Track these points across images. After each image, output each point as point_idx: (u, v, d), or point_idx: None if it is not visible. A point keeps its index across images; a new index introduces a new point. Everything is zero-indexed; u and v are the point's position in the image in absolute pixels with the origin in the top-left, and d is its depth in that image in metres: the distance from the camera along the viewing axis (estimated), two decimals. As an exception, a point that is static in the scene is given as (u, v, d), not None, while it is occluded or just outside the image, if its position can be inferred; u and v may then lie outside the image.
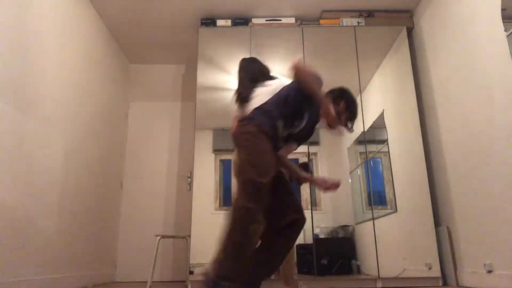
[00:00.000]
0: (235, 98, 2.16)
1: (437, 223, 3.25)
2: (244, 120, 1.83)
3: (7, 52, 2.28)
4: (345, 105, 1.96)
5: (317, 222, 3.18)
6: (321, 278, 3.03)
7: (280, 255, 1.83)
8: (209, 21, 3.69)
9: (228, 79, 3.51)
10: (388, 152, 3.35)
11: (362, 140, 3.39)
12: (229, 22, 3.68)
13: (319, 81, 1.88)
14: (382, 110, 3.45)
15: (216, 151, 3.40)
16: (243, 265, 1.60)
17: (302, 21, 3.76)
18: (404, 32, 3.63)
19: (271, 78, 2.16)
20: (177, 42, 4.19)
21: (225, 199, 3.31)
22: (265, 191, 1.63)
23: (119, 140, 4.21)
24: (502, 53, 2.48)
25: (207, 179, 3.32)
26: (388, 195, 3.27)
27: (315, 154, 3.37)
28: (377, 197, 3.27)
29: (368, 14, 3.69)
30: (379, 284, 3.04)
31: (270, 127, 1.80)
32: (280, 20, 3.70)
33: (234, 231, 1.59)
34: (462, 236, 2.95)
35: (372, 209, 3.22)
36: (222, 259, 1.57)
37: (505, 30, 2.43)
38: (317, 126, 2.07)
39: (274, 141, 1.83)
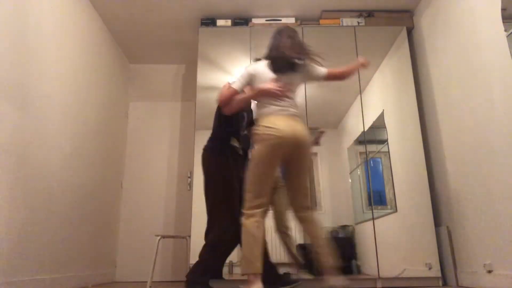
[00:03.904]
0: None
1: (437, 223, 3.26)
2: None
3: (7, 52, 2.28)
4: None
5: (317, 222, 3.18)
6: (321, 278, 3.03)
7: None
8: (209, 21, 3.69)
9: (228, 79, 3.50)
10: (388, 152, 3.35)
11: (362, 140, 3.39)
12: (229, 22, 3.68)
13: (227, 92, 2.14)
14: (382, 110, 3.45)
15: (216, 151, 3.39)
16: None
17: (302, 21, 3.76)
18: (404, 32, 3.63)
19: None
20: (177, 42, 4.19)
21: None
22: None
23: (119, 140, 4.21)
24: (502, 53, 2.48)
25: (207, 179, 3.31)
26: (388, 195, 3.27)
27: (315, 154, 3.37)
28: (377, 197, 3.27)
29: (368, 14, 3.69)
30: (379, 284, 3.04)
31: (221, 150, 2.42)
32: (280, 20, 3.70)
33: None
34: (462, 236, 2.95)
35: (372, 209, 3.22)
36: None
37: (505, 30, 2.43)
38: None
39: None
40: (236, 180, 2.37)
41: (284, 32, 2.24)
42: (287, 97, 2.11)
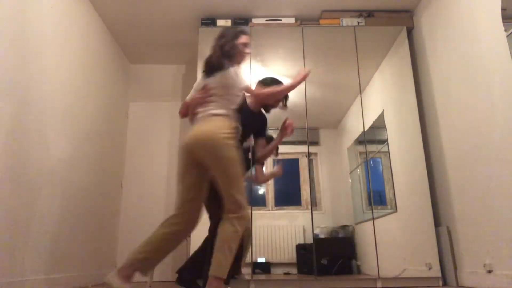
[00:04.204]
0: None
1: (437, 223, 3.25)
2: None
3: (7, 52, 2.28)
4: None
5: (317, 222, 3.18)
6: (321, 278, 3.03)
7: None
8: (209, 21, 3.69)
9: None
10: (388, 152, 3.35)
11: (362, 140, 3.39)
12: (229, 22, 3.68)
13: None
14: (382, 110, 3.45)
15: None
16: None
17: (302, 21, 3.76)
18: (404, 32, 3.63)
19: None
20: (177, 42, 4.19)
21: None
22: None
23: (119, 140, 4.21)
24: (502, 53, 2.48)
25: (207, 179, 3.31)
26: (388, 195, 3.27)
27: (315, 154, 3.37)
28: (377, 197, 3.27)
29: (368, 14, 3.69)
30: (379, 284, 3.04)
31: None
32: (280, 20, 3.70)
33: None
34: (462, 236, 2.95)
35: (372, 209, 3.22)
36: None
37: (505, 30, 2.43)
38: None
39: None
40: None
41: (217, 36, 2.22)
42: (210, 101, 2.06)
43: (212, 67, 2.10)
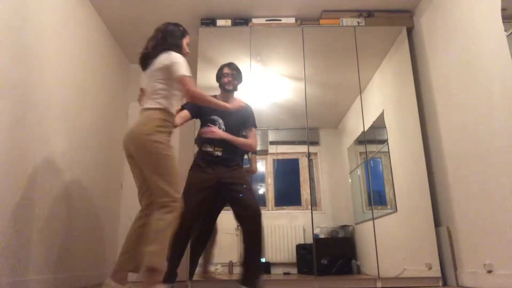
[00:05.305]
0: None
1: (437, 223, 3.25)
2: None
3: (6, 52, 2.27)
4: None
5: (317, 222, 3.18)
6: (321, 278, 3.03)
7: None
8: (209, 21, 3.69)
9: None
10: (388, 152, 3.35)
11: (362, 140, 3.39)
12: (229, 22, 3.68)
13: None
14: (382, 110, 3.45)
15: (216, 151, 3.39)
16: None
17: (302, 21, 3.76)
18: (404, 32, 3.63)
19: None
20: (177, 42, 4.19)
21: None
22: None
23: (119, 140, 4.21)
24: (502, 53, 2.48)
25: (207, 179, 3.31)
26: (388, 195, 3.27)
27: (315, 154, 3.37)
28: (377, 197, 3.27)
29: (368, 14, 3.69)
30: (379, 284, 3.04)
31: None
32: (280, 20, 3.70)
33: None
34: (462, 236, 2.95)
35: (372, 209, 3.22)
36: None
37: (505, 30, 2.43)
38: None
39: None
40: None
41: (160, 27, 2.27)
42: (145, 94, 2.16)
43: (147, 56, 2.18)
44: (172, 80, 2.09)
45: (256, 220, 2.33)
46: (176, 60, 2.06)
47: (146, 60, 2.20)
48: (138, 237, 2.03)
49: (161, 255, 1.88)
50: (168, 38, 2.18)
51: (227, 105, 2.32)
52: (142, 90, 2.25)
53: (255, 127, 2.70)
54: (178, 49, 2.19)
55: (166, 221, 1.91)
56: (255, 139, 2.64)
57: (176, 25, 2.28)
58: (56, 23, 2.87)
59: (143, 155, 1.98)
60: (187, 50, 2.28)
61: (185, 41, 2.28)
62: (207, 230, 2.59)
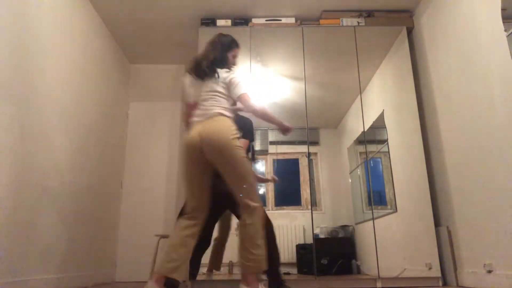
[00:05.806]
0: None
1: (437, 223, 3.26)
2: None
3: (6, 52, 2.28)
4: None
5: (317, 222, 3.18)
6: (321, 278, 3.03)
7: None
8: (209, 21, 3.69)
9: (228, 79, 3.51)
10: (388, 152, 3.35)
11: (362, 140, 3.39)
12: (229, 22, 3.68)
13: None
14: (382, 110, 3.45)
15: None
16: None
17: (302, 21, 3.76)
18: (404, 32, 3.63)
19: None
20: (177, 42, 4.19)
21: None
22: None
23: (119, 140, 4.21)
24: (502, 53, 2.48)
25: (207, 179, 3.31)
26: (388, 195, 3.27)
27: (315, 154, 3.37)
28: (377, 197, 3.27)
29: (368, 14, 3.69)
30: (379, 284, 3.04)
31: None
32: (280, 20, 3.70)
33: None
34: (462, 236, 2.95)
35: (372, 209, 3.22)
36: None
37: (505, 30, 2.43)
38: None
39: None
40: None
41: (208, 41, 2.30)
42: (202, 104, 2.12)
43: (202, 71, 2.17)
44: (231, 96, 2.14)
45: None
46: (237, 79, 2.12)
47: (203, 71, 2.18)
48: (186, 247, 1.98)
49: (265, 258, 1.97)
50: (223, 52, 2.22)
51: (287, 124, 2.23)
52: (189, 104, 2.21)
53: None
54: (230, 64, 2.25)
55: (258, 224, 1.99)
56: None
57: (227, 36, 2.32)
58: (56, 23, 2.87)
59: (228, 159, 1.97)
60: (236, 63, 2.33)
61: (233, 53, 2.30)
62: (206, 235, 2.57)
